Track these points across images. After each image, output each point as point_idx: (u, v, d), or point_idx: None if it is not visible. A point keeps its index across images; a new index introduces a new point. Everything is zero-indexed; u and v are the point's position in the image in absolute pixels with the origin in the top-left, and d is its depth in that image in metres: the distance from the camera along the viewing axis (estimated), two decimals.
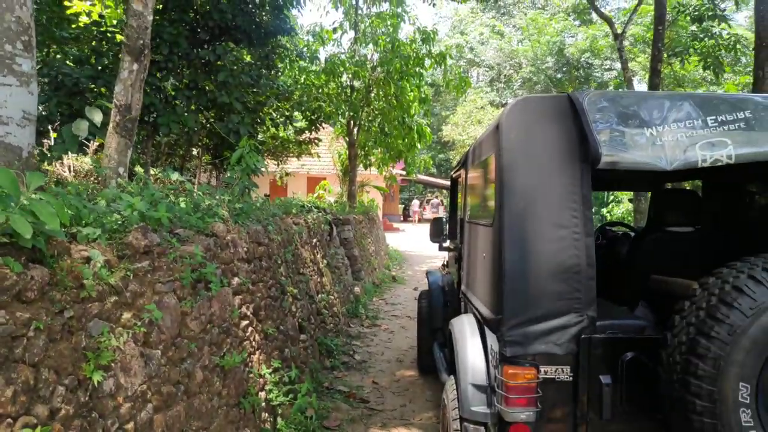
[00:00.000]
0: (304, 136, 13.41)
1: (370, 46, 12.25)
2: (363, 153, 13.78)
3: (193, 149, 10.89)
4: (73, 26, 8.36)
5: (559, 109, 2.21)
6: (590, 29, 26.73)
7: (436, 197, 37.64)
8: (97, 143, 4.54)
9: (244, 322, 3.54)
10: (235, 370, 3.25)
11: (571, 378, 2.14)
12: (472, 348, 2.54)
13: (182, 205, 3.37)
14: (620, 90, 2.29)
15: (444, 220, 4.78)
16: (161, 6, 8.75)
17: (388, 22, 12.24)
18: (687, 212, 3.11)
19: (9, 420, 1.67)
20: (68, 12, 8.18)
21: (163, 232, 2.88)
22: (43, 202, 1.94)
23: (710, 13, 8.69)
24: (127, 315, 2.38)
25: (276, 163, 14.95)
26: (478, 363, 2.45)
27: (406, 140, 13.08)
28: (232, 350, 3.25)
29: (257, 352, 3.65)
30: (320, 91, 12.43)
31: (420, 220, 32.11)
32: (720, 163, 2.14)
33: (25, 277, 1.83)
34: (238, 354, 3.24)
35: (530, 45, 30.14)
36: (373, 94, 12.41)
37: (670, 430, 1.99)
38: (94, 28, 8.12)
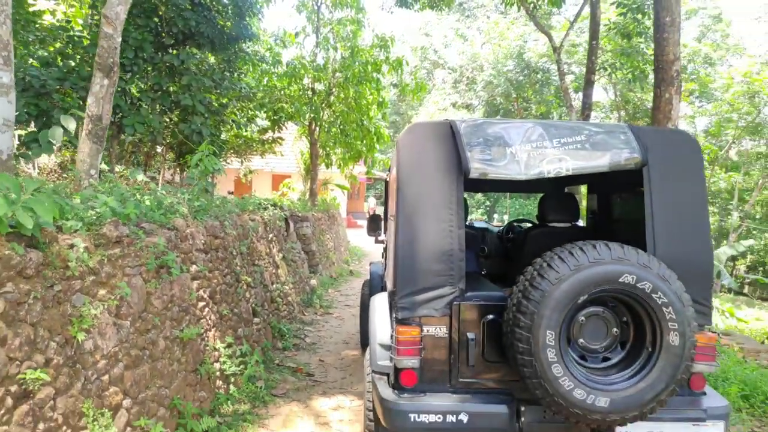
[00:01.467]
0: (267, 135, 13.96)
1: (331, 51, 12.84)
2: (324, 153, 14.36)
3: (158, 147, 11.29)
4: (37, 25, 8.66)
5: (442, 132, 2.89)
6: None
7: None
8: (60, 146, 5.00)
9: (201, 303, 4.14)
10: (193, 342, 3.84)
11: (446, 335, 2.84)
12: (381, 317, 3.20)
13: (147, 202, 3.94)
14: (490, 118, 2.94)
15: (381, 216, 5.46)
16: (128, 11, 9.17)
17: (348, 28, 12.86)
18: (565, 211, 3.87)
19: (17, 362, 2.26)
20: (30, 10, 8.49)
21: (131, 225, 3.45)
22: (39, 200, 2.51)
23: (637, 30, 9.63)
24: (102, 291, 2.96)
25: (240, 161, 15.44)
26: (385, 328, 3.11)
27: (365, 141, 13.73)
28: (191, 325, 3.85)
29: (213, 329, 4.25)
30: (282, 92, 12.98)
31: None
32: (561, 174, 2.86)
33: (26, 258, 2.41)
34: (195, 328, 3.83)
35: (491, 49, 31.15)
36: (333, 97, 13.01)
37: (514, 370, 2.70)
38: (60, 30, 8.48)
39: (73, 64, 8.34)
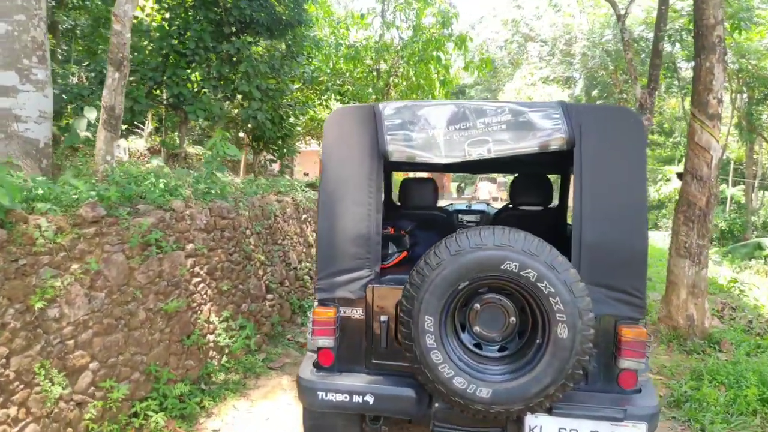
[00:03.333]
0: None
1: (393, 30, 12.83)
2: None
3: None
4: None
5: (364, 116, 2.88)
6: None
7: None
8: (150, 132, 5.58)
9: (196, 279, 4.46)
10: (180, 314, 4.17)
11: (362, 316, 2.86)
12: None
13: (146, 184, 4.29)
14: (415, 101, 2.82)
15: None
16: (190, 3, 9.81)
17: (415, 6, 12.75)
18: (537, 194, 3.69)
19: None
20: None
21: (119, 206, 3.79)
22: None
23: None
24: (75, 266, 3.31)
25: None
26: None
27: None
28: (180, 299, 4.17)
29: (208, 304, 4.57)
30: (348, 75, 13.20)
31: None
32: (483, 157, 2.76)
33: None
34: (182, 301, 4.15)
35: (586, 18, 29.26)
36: (396, 78, 13.03)
37: None
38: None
39: (141, 57, 9.07)
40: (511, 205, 4.07)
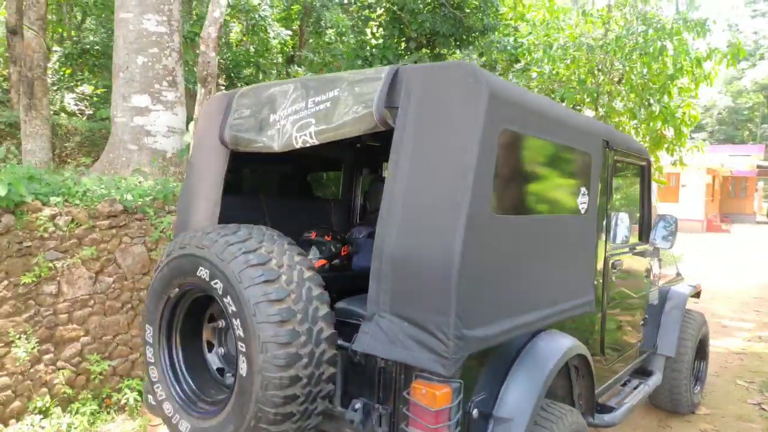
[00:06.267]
0: None
1: (612, 23, 11.16)
2: None
3: None
4: None
5: (225, 103, 2.60)
6: None
7: None
8: None
9: None
10: None
11: None
12: None
13: None
14: (266, 82, 2.10)
15: None
16: (379, 25, 10.39)
17: None
18: None
19: None
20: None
21: (145, 206, 4.25)
22: (4, 182, 3.54)
23: None
24: (86, 252, 3.86)
25: None
26: None
27: (666, 125, 11.32)
28: None
29: None
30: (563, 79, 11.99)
31: None
32: (308, 144, 2.22)
33: None
34: None
35: None
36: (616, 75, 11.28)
37: None
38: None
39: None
40: None
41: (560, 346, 2.15)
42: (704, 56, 10.52)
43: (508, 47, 11.09)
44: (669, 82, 10.66)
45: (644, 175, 3.52)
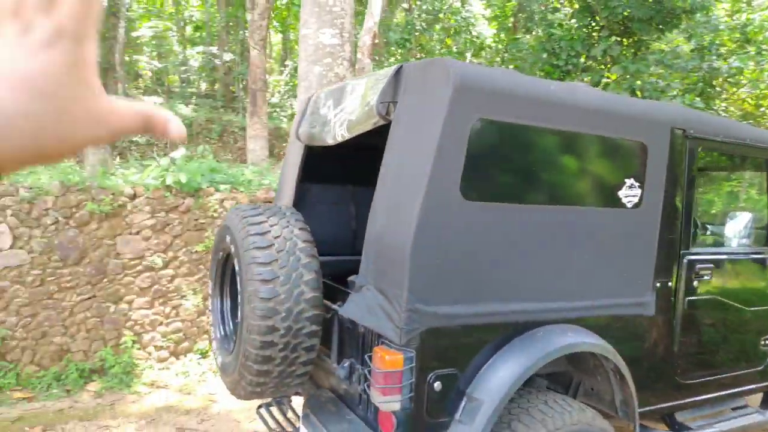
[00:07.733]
0: None
1: None
2: None
3: None
4: None
5: (304, 104, 3.00)
6: None
7: None
8: None
9: None
10: None
11: None
12: None
13: None
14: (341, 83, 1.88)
15: None
16: (570, 15, 9.92)
17: None
18: None
19: (151, 251, 4.43)
20: None
21: None
22: (188, 169, 4.56)
23: None
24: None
25: None
26: None
27: None
28: None
29: None
30: None
31: None
32: (345, 138, 2.52)
33: (182, 201, 4.53)
34: None
35: None
36: None
37: None
38: None
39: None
40: None
41: (559, 339, 2.06)
42: None
43: (721, 27, 9.55)
44: None
45: None
